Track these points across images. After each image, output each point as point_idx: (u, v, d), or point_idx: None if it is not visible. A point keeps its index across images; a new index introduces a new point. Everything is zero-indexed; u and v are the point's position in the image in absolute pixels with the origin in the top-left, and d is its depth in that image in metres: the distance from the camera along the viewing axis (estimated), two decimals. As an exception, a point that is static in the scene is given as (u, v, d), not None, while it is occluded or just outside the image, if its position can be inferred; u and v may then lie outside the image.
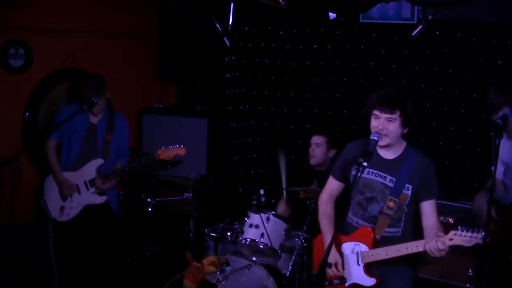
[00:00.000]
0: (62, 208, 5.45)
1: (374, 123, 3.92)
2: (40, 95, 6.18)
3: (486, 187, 4.27)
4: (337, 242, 4.11)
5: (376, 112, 3.91)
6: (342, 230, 4.17)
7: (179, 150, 5.41)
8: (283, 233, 5.11)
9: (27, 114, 6.11)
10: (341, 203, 4.15)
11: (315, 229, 5.15)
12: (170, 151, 5.40)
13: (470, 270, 3.98)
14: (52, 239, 5.43)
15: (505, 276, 3.98)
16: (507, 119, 3.88)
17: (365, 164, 3.77)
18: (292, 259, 5.05)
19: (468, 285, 3.99)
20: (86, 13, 6.40)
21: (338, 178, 4.25)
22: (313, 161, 5.52)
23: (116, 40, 6.75)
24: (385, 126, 3.89)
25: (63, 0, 6.21)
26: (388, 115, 3.88)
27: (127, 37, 6.83)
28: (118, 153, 5.62)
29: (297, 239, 5.11)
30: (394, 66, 6.11)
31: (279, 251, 5.06)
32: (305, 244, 5.06)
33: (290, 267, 5.04)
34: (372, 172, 4.02)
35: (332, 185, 4.28)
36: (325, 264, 4.04)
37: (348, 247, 4.10)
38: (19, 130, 6.07)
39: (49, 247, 5.44)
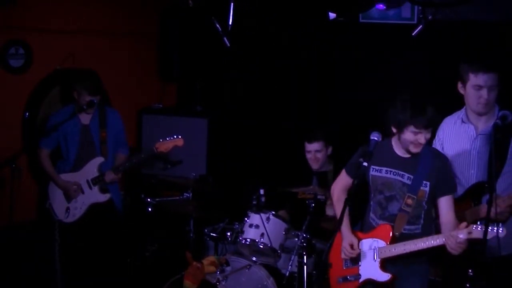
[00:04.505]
0: (67, 209, 5.45)
1: (411, 137, 3.88)
2: (40, 95, 6.19)
3: None
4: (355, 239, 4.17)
5: (417, 130, 3.87)
6: (362, 228, 4.21)
7: (177, 141, 5.39)
8: (283, 233, 5.11)
9: (27, 114, 6.11)
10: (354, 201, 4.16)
11: (315, 229, 5.17)
12: (168, 143, 5.38)
13: (470, 270, 3.98)
14: (58, 241, 5.43)
15: (459, 266, 4.01)
16: (506, 119, 3.88)
17: (365, 164, 3.78)
18: (292, 259, 5.05)
19: (468, 285, 3.99)
20: (86, 13, 6.40)
21: (352, 176, 4.24)
22: (317, 166, 5.53)
23: (116, 40, 6.75)
24: (422, 140, 3.90)
25: (63, 0, 6.22)
26: (428, 130, 3.90)
27: (127, 37, 6.83)
28: (117, 146, 5.61)
29: (297, 239, 5.11)
30: (394, 66, 6.11)
31: (279, 251, 5.06)
32: (305, 244, 5.06)
33: (290, 267, 5.04)
34: (390, 171, 4.03)
35: (345, 180, 4.31)
36: (325, 264, 4.04)
37: (366, 243, 4.11)
38: (19, 130, 6.08)
39: (55, 250, 5.44)
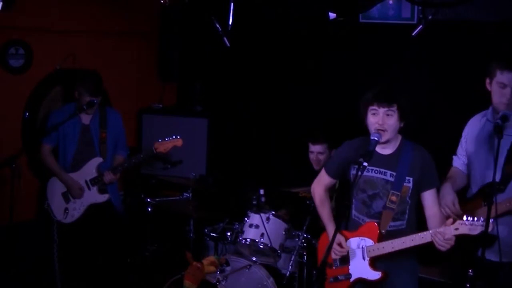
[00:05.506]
0: (66, 210, 5.44)
1: (373, 119, 3.94)
2: (40, 95, 6.18)
3: (448, 177, 4.27)
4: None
5: (373, 107, 3.94)
6: (347, 227, 4.21)
7: (176, 141, 5.40)
8: (283, 233, 5.11)
9: (27, 114, 6.10)
10: (342, 202, 4.18)
11: (315, 229, 5.17)
12: (167, 143, 5.39)
13: (470, 270, 3.98)
14: (57, 242, 5.43)
15: (468, 267, 4.00)
16: (507, 119, 3.88)
17: (365, 164, 3.74)
18: (292, 259, 5.05)
19: (468, 285, 3.99)
20: (86, 13, 6.40)
21: (331, 175, 4.29)
22: (317, 167, 5.53)
23: (116, 40, 6.75)
24: (384, 120, 3.91)
25: (63, 0, 6.21)
26: (386, 109, 3.92)
27: (127, 37, 6.83)
28: (116, 147, 5.61)
29: (297, 239, 5.11)
30: (394, 66, 6.11)
31: (279, 251, 5.06)
32: (305, 244, 5.06)
33: (290, 267, 5.04)
34: (372, 169, 4.04)
35: (325, 180, 4.34)
36: (325, 264, 4.04)
37: (353, 242, 4.13)
38: (19, 130, 6.07)
39: (53, 250, 5.44)
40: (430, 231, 3.82)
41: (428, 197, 4.00)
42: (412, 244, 3.86)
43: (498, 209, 3.80)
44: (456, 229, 3.70)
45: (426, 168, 3.99)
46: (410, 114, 4.00)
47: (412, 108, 4.03)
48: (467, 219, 3.68)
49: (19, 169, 5.10)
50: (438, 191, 4.08)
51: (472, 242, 3.78)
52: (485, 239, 3.63)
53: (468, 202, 4.13)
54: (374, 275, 4.02)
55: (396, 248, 3.92)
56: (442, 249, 3.76)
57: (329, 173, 4.31)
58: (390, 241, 3.94)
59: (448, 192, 4.12)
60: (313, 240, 5.14)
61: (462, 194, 4.28)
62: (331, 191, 4.42)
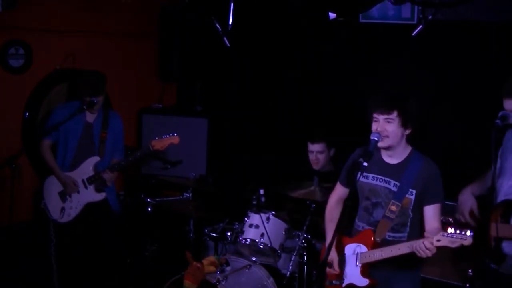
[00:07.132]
0: (62, 209, 5.44)
1: (373, 126, 3.93)
2: (40, 95, 6.19)
3: (477, 182, 4.12)
4: (341, 243, 4.15)
5: (375, 115, 3.92)
6: (348, 233, 4.20)
7: (172, 138, 5.39)
8: (283, 233, 5.11)
9: (27, 114, 6.11)
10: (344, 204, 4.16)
11: (315, 229, 5.17)
12: (164, 141, 5.38)
13: (470, 270, 3.97)
14: (54, 242, 5.43)
15: (483, 278, 3.94)
16: (507, 119, 3.85)
17: (365, 164, 3.75)
18: (292, 259, 5.05)
19: (468, 285, 3.98)
20: (86, 13, 6.40)
21: (345, 184, 4.25)
22: (317, 167, 5.52)
23: (116, 40, 6.75)
24: (383, 127, 3.88)
25: (63, 0, 6.22)
26: (385, 116, 3.88)
27: (127, 37, 6.83)
28: (113, 150, 5.62)
29: (297, 239, 5.11)
30: (394, 66, 6.11)
31: (279, 251, 5.06)
32: (305, 244, 5.06)
33: (290, 267, 5.04)
34: (377, 178, 4.03)
35: (340, 191, 4.29)
36: (325, 264, 4.04)
37: (350, 248, 4.12)
38: (19, 130, 6.08)
39: (50, 250, 5.44)
40: (412, 242, 3.78)
41: (429, 212, 3.93)
42: (399, 252, 3.83)
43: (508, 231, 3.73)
44: (438, 240, 3.66)
45: (430, 181, 3.92)
46: (415, 120, 3.94)
47: (418, 112, 3.96)
48: (449, 232, 3.61)
49: (19, 169, 5.11)
50: (442, 207, 3.97)
51: (485, 257, 3.73)
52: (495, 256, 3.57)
53: (493, 210, 3.88)
54: (362, 281, 4.01)
55: (385, 256, 3.89)
56: (421, 256, 3.73)
57: (342, 182, 4.27)
58: (380, 249, 3.93)
59: (466, 199, 4.00)
60: (313, 240, 5.15)
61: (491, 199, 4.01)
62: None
